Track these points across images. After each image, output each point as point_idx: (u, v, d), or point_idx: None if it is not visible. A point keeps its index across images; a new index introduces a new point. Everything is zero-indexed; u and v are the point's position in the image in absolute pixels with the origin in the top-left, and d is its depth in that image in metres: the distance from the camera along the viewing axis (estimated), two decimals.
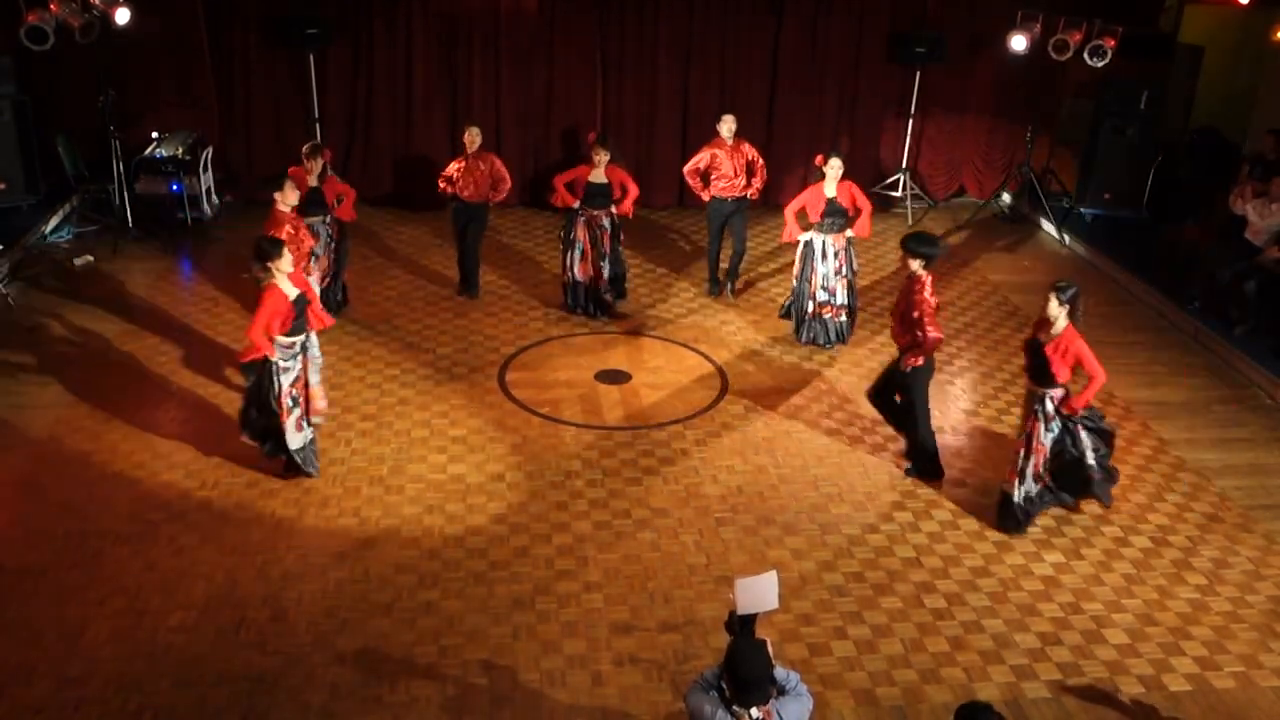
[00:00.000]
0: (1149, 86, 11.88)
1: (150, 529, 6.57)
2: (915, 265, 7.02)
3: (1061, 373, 6.51)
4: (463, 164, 9.57)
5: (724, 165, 9.75)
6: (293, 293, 6.82)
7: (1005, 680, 5.67)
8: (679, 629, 5.92)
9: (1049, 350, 6.46)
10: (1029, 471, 6.74)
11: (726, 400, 8.38)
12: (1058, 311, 6.44)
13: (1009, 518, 6.85)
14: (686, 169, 9.96)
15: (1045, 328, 6.55)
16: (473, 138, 9.55)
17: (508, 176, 9.76)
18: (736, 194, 9.83)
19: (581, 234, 9.45)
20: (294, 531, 6.61)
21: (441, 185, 9.72)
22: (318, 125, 11.78)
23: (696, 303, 10.11)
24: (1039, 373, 6.59)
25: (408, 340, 9.13)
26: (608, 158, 9.33)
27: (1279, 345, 9.17)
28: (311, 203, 8.97)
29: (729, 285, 10.25)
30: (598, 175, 9.35)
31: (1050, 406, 6.63)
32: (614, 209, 9.45)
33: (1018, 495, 6.77)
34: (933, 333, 6.94)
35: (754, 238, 11.77)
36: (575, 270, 9.57)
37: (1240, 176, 10.31)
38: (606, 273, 9.60)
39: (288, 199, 8.15)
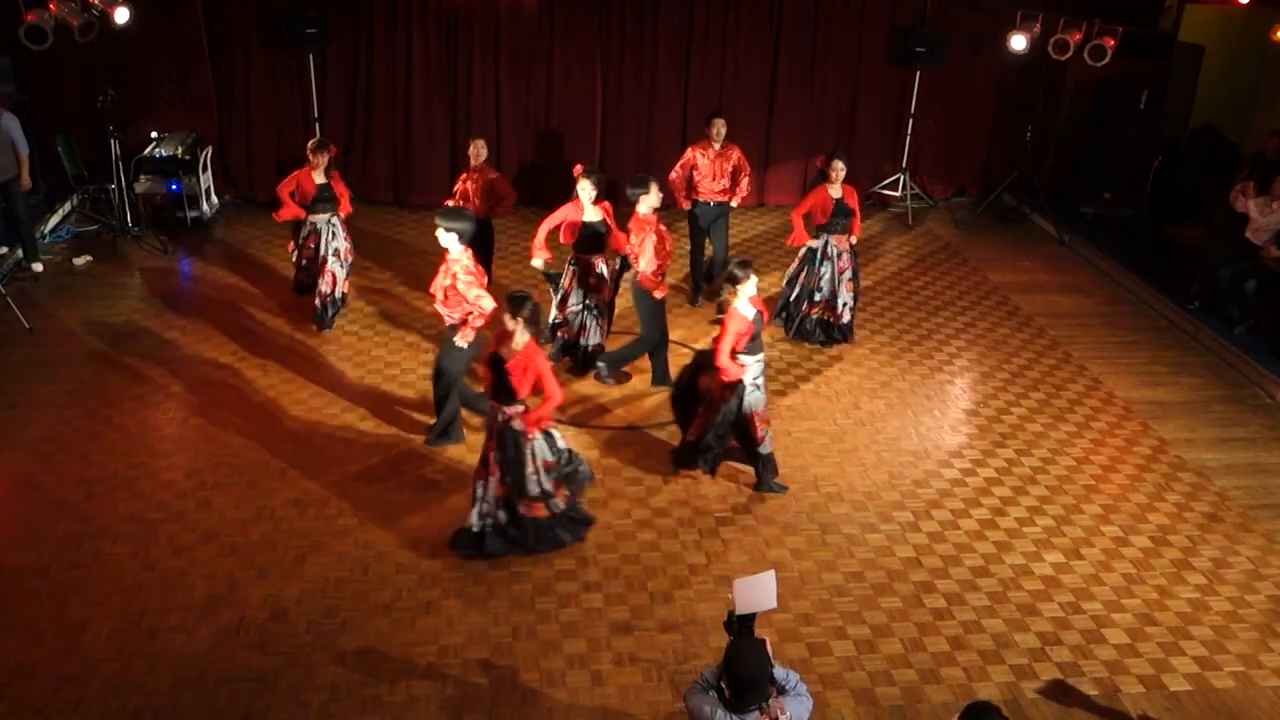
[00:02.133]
0: (1149, 86, 11.88)
1: (150, 529, 6.57)
2: (451, 241, 7.08)
3: (522, 389, 6.15)
4: (471, 178, 9.19)
5: (703, 168, 9.47)
6: (750, 312, 6.84)
7: (1005, 680, 5.67)
8: (679, 629, 5.93)
9: (510, 366, 6.11)
10: (488, 495, 6.34)
11: None
12: (514, 326, 6.11)
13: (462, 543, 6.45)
14: (671, 177, 9.50)
15: (506, 343, 6.17)
16: (478, 150, 9.16)
17: (512, 192, 9.39)
18: (717, 199, 9.58)
19: (569, 284, 8.34)
20: (294, 531, 6.61)
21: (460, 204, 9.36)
22: (317, 125, 11.78)
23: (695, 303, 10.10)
24: (500, 390, 6.17)
25: (407, 340, 9.13)
26: (595, 194, 8.07)
27: (1279, 345, 9.17)
28: (320, 200, 8.84)
29: (704, 291, 9.90)
30: (589, 213, 8.11)
31: (513, 424, 6.23)
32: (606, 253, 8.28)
33: (473, 521, 6.37)
34: (487, 304, 7.07)
35: (754, 241, 11.77)
36: (556, 319, 8.49)
37: (1240, 176, 10.31)
38: (594, 335, 8.38)
39: (651, 200, 7.72)
